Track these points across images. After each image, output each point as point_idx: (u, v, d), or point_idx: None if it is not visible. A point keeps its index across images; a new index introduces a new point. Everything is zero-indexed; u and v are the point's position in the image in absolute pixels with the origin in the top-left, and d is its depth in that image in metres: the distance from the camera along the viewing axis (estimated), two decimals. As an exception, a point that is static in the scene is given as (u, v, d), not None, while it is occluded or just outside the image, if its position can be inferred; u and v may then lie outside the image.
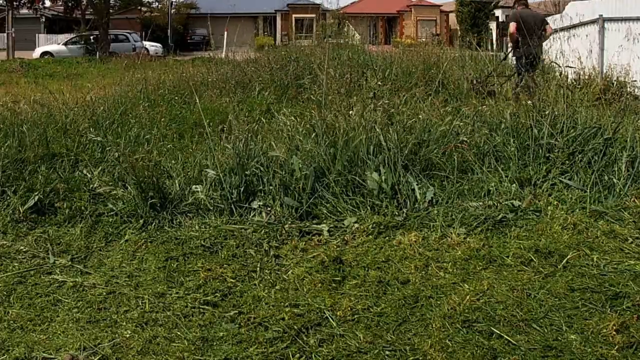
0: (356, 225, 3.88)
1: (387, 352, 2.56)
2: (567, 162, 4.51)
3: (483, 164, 4.60)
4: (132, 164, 4.28)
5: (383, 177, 4.22)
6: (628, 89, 8.86)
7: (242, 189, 4.22)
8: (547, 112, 4.86)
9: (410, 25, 38.29)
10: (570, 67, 8.23)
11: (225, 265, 3.42)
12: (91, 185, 4.46)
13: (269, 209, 4.07)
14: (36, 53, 27.80)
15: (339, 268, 3.32)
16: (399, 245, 3.61)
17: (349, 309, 2.90)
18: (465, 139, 4.85)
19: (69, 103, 6.99)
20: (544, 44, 9.77)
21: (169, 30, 33.08)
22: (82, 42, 27.95)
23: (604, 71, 9.67)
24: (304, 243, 3.69)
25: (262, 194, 4.22)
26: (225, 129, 5.36)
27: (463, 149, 4.69)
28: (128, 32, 29.83)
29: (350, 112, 5.09)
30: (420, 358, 2.52)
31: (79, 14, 33.57)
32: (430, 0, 40.54)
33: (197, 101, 6.27)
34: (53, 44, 29.72)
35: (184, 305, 2.99)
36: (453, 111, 5.55)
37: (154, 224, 3.97)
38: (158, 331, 2.75)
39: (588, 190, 4.18)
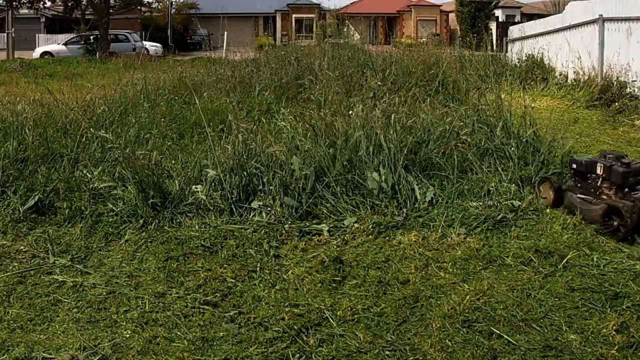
0: (356, 225, 3.88)
1: (387, 352, 2.56)
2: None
3: (483, 164, 4.60)
4: (132, 164, 4.27)
5: (383, 177, 4.22)
6: (628, 89, 8.87)
7: (242, 189, 4.21)
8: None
9: (410, 25, 38.27)
10: (569, 67, 8.23)
11: (225, 265, 3.42)
12: (91, 185, 4.46)
13: (269, 208, 4.07)
14: (36, 53, 27.74)
15: (339, 268, 3.32)
16: (399, 245, 3.61)
17: (349, 309, 2.90)
18: (465, 138, 4.85)
19: (69, 103, 6.98)
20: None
21: (169, 31, 33.04)
22: (82, 42, 27.87)
23: (604, 71, 9.67)
24: (304, 243, 3.69)
25: (262, 194, 4.22)
26: (225, 128, 5.35)
27: (463, 148, 4.69)
28: (128, 32, 29.77)
29: (350, 112, 5.10)
30: (420, 358, 2.52)
31: (79, 14, 33.54)
32: (430, 0, 40.51)
33: (197, 101, 6.26)
34: (53, 44, 29.65)
35: (184, 305, 2.99)
36: (452, 111, 5.55)
37: (154, 224, 3.96)
38: (158, 331, 2.75)
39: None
